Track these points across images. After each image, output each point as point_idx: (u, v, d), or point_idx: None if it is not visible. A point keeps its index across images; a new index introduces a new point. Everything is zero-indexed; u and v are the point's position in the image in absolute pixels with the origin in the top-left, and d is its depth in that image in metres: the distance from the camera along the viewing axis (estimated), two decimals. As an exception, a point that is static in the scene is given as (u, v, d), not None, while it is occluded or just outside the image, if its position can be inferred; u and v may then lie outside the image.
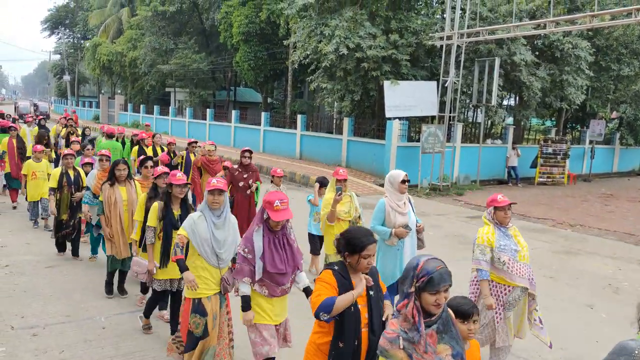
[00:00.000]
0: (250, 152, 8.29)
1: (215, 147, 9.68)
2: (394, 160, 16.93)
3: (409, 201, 5.42)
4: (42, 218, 9.49)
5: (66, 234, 7.74)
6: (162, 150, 11.10)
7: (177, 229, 4.66)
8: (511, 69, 18.12)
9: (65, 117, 16.53)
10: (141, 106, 37.98)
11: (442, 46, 16.57)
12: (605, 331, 6.10)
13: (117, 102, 43.10)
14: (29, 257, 7.81)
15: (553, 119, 26.20)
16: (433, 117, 17.66)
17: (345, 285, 3.12)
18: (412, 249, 5.32)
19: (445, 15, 17.07)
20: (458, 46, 16.20)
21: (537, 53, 19.05)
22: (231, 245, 4.24)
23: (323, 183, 7.40)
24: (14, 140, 10.81)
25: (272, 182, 7.70)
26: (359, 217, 6.67)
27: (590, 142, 22.77)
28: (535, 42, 19.07)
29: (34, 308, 5.92)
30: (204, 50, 34.07)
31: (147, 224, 5.02)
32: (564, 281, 8.09)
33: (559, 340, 5.79)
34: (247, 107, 35.78)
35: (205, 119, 29.65)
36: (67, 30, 58.55)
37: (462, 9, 16.79)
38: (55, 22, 57.64)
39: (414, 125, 19.63)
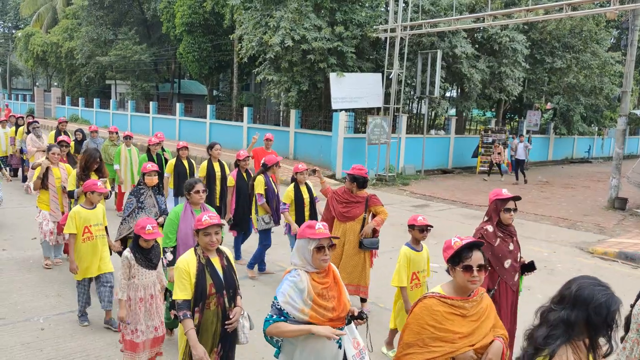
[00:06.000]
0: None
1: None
2: (341, 152, 17.10)
3: None
4: (106, 309, 5.44)
5: None
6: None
7: None
8: (453, 62, 18.63)
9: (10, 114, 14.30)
10: (80, 99, 36.47)
11: (386, 38, 16.81)
12: (541, 310, 6.42)
13: (53, 95, 41.19)
14: (-42, 258, 7.36)
15: (493, 110, 27.17)
16: (378, 109, 17.93)
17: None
18: None
19: (389, 8, 17.30)
20: (402, 38, 16.48)
21: (477, 46, 19.69)
22: None
23: None
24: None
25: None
26: None
27: (527, 131, 23.78)
28: (475, 36, 19.68)
29: (-35, 312, 5.61)
30: (146, 41, 33.03)
31: None
32: (503, 265, 8.44)
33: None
34: (192, 100, 35.10)
35: (149, 112, 28.83)
36: (-3, 19, 55.32)
37: (405, 2, 17.08)
38: (-17, 10, 54.34)
39: (359, 116, 19.87)
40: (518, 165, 18.63)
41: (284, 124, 22.11)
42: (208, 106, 24.95)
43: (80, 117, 34.91)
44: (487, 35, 19.34)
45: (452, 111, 25.08)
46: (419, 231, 4.73)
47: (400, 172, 18.29)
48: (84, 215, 5.25)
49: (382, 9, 19.64)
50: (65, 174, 7.05)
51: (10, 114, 14.52)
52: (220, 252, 3.61)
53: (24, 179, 12.14)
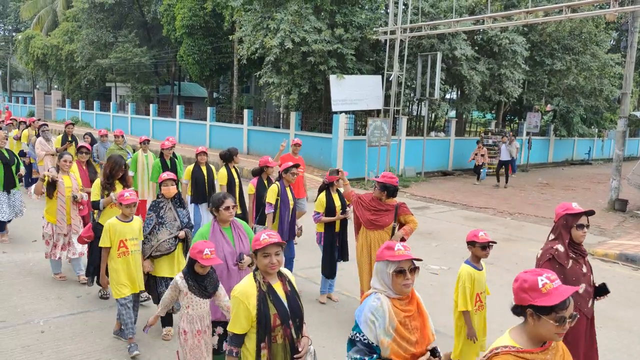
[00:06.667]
0: None
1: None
2: (341, 154, 17.10)
3: None
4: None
5: None
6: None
7: None
8: (453, 64, 18.65)
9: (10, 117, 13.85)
10: (80, 102, 36.55)
11: (386, 41, 16.83)
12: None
13: (53, 97, 41.28)
14: (-42, 261, 7.35)
15: (493, 111, 27.20)
16: (378, 111, 17.93)
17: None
18: None
19: (388, 10, 17.33)
20: (401, 41, 16.49)
21: (476, 48, 19.70)
22: None
23: None
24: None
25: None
26: None
27: (527, 133, 23.80)
28: (474, 38, 19.70)
29: (-35, 315, 5.60)
30: (146, 43, 33.10)
31: None
32: (503, 267, 8.44)
33: (499, 323, 6.04)
34: (192, 102, 35.15)
35: (149, 115, 28.86)
36: (-3, 22, 55.47)
37: (404, 4, 17.10)
38: (-17, 13, 54.44)
39: (360, 119, 19.89)
40: (500, 168, 17.84)
41: (284, 126, 22.12)
42: (208, 108, 24.97)
43: (81, 119, 34.95)
44: (487, 37, 19.36)
45: (452, 113, 25.10)
46: (480, 248, 4.25)
47: (400, 174, 18.28)
48: (120, 229, 4.84)
49: (382, 12, 19.68)
50: (76, 183, 6.68)
51: (11, 117, 14.48)
52: (281, 276, 3.14)
53: (27, 183, 12.08)
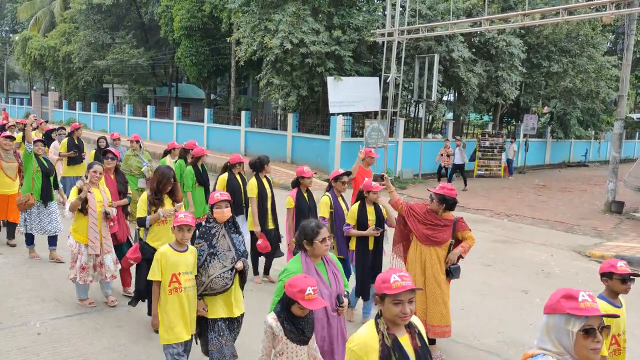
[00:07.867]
0: None
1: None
2: (339, 156, 17.11)
3: None
4: None
5: None
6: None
7: None
8: (450, 65, 18.69)
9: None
10: (77, 103, 36.51)
11: (383, 42, 16.86)
12: (539, 314, 6.42)
13: (50, 98, 41.23)
14: (-46, 263, 7.33)
15: (490, 113, 27.24)
16: (376, 113, 17.95)
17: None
18: None
19: (386, 12, 17.36)
20: (399, 43, 16.52)
21: (473, 50, 19.74)
22: None
23: None
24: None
25: None
26: None
27: (525, 135, 23.84)
28: (472, 40, 19.74)
29: (-39, 316, 5.58)
30: (143, 45, 33.09)
31: None
32: (500, 268, 8.46)
33: (496, 325, 6.06)
34: (189, 104, 35.13)
35: (146, 116, 28.84)
36: (-6, 23, 55.34)
37: (402, 6, 17.14)
38: (-20, 14, 54.33)
39: (357, 120, 19.89)
40: (454, 171, 17.13)
41: (281, 128, 22.12)
42: (206, 110, 24.98)
43: (78, 120, 34.92)
44: (484, 40, 19.40)
45: (450, 115, 25.12)
46: (620, 282, 3.50)
47: (397, 176, 18.30)
48: (173, 260, 4.02)
49: (380, 14, 19.71)
50: (106, 197, 5.96)
51: (9, 118, 14.36)
52: (410, 327, 2.53)
53: None
